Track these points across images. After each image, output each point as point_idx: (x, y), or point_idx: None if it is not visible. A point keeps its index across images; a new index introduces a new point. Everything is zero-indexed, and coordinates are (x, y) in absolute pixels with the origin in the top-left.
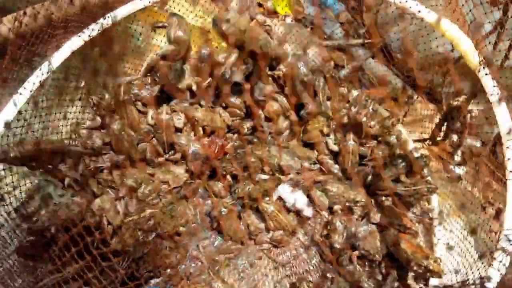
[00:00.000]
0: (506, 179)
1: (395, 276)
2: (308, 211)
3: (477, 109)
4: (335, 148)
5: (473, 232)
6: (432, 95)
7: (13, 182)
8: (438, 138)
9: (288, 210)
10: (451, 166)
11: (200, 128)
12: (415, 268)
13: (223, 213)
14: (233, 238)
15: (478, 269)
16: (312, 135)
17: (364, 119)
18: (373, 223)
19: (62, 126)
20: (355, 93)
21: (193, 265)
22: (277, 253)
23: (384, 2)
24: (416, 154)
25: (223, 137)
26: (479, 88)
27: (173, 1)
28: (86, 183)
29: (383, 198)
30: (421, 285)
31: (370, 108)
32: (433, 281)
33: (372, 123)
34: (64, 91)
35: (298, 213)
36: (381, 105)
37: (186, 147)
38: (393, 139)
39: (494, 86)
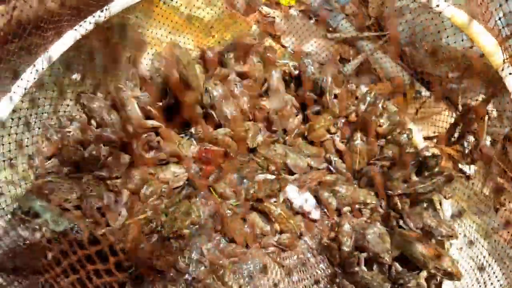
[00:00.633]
0: None
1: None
2: (315, 213)
3: (496, 110)
4: (342, 147)
5: (486, 235)
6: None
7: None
8: (452, 139)
9: (295, 212)
10: (461, 165)
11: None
12: (432, 271)
13: (227, 214)
14: (237, 241)
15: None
16: (318, 134)
17: (374, 117)
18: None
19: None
20: (364, 89)
21: (196, 269)
22: (283, 257)
23: None
24: (427, 153)
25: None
26: (500, 89)
27: None
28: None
29: (396, 198)
30: None
31: (380, 105)
32: (447, 284)
33: (382, 121)
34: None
35: (304, 215)
36: (390, 101)
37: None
38: (404, 137)
39: None
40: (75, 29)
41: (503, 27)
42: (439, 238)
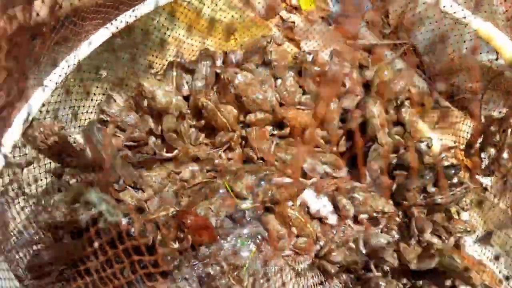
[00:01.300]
0: None
1: None
2: (332, 219)
3: None
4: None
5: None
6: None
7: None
8: (473, 151)
9: (312, 217)
10: (478, 177)
11: None
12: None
13: None
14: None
15: None
16: None
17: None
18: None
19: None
20: None
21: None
22: (298, 261)
23: (412, 1)
24: (446, 163)
25: None
26: None
27: None
28: None
29: (412, 208)
30: None
31: None
32: None
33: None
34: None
35: (321, 220)
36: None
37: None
38: (423, 146)
39: None
40: (106, 27)
41: None
42: (458, 235)
